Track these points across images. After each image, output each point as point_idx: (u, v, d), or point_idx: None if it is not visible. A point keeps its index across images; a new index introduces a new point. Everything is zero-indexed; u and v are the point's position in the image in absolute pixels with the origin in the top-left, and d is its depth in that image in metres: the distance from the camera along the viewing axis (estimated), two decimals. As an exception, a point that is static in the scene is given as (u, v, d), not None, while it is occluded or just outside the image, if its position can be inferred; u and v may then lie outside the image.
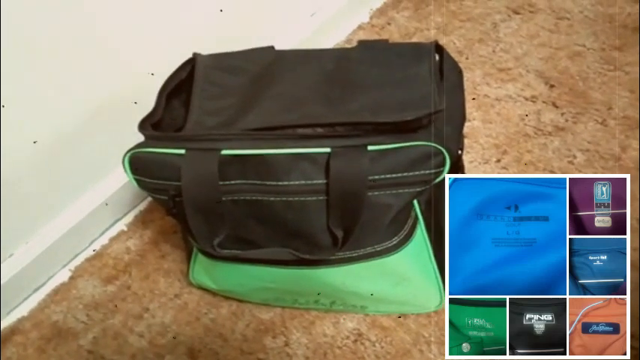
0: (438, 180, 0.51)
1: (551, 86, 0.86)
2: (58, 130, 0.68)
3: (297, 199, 0.50)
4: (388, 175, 0.49)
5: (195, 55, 0.61)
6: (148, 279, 0.74)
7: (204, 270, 0.66)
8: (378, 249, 0.56)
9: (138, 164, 0.53)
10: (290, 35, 0.93)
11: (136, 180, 0.54)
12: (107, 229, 0.80)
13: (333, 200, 0.50)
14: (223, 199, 0.52)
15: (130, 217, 0.81)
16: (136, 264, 0.76)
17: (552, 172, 0.77)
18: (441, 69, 0.56)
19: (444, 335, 0.66)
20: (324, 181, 0.49)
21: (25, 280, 0.72)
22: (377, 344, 0.66)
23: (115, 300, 0.73)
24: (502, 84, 0.89)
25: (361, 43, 0.61)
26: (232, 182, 0.51)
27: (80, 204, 0.75)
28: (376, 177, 0.49)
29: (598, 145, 0.77)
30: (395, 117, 0.49)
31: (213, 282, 0.67)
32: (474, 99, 0.87)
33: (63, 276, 0.76)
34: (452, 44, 0.96)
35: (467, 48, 0.95)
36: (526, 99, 0.86)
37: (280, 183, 0.50)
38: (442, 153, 0.49)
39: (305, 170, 0.49)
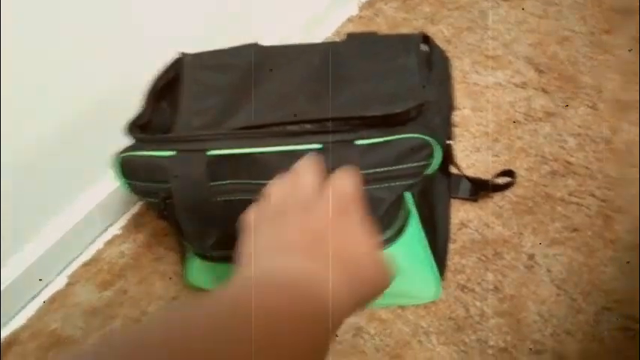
0: (429, 171, 0.51)
1: (541, 72, 0.86)
2: (44, 136, 0.67)
3: None
4: (378, 169, 0.49)
5: (181, 54, 0.61)
6: (144, 282, 0.73)
7: (198, 271, 0.66)
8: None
9: (127, 168, 0.52)
10: (278, 31, 0.92)
11: (127, 184, 0.54)
12: (101, 234, 0.79)
13: None
14: (217, 199, 0.51)
15: (123, 221, 0.80)
16: (131, 268, 0.75)
17: (544, 157, 0.76)
18: (429, 59, 0.56)
19: (442, 325, 0.66)
20: None
21: (21, 289, 0.72)
22: (376, 337, 0.66)
23: (113, 305, 0.72)
24: (491, 71, 0.88)
25: (349, 35, 0.60)
26: (224, 182, 0.51)
27: (72, 210, 0.75)
28: (367, 171, 0.49)
29: (589, 128, 0.77)
30: (383, 110, 0.49)
31: (208, 282, 0.67)
32: (463, 86, 0.87)
33: (59, 283, 0.75)
34: (440, 33, 0.96)
35: (455, 36, 0.94)
36: (516, 85, 0.85)
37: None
38: (430, 145, 0.49)
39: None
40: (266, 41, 0.63)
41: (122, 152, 0.52)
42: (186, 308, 0.26)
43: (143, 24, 0.71)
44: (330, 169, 0.34)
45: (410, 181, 0.51)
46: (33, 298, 0.74)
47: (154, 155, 0.51)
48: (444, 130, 0.54)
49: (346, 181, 0.34)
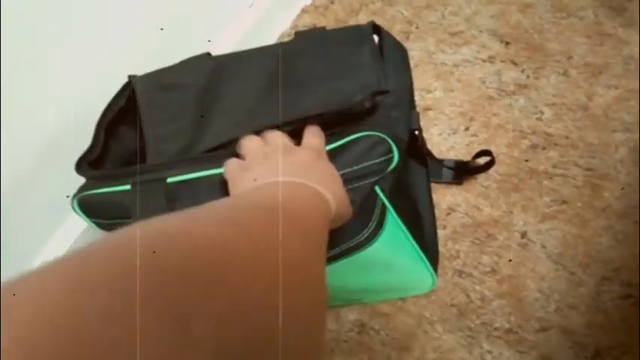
0: (391, 167, 0.49)
1: (507, 44, 0.84)
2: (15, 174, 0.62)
3: None
4: (340, 172, 0.47)
5: (130, 78, 0.56)
6: None
7: None
8: (352, 244, 0.54)
9: (87, 207, 0.50)
10: (230, 32, 0.88)
11: (94, 222, 0.51)
12: None
13: None
14: None
15: None
16: None
17: (522, 132, 0.75)
18: (381, 50, 0.54)
19: (445, 313, 0.65)
20: None
21: None
22: (381, 332, 0.65)
23: None
24: (457, 48, 0.86)
25: (298, 34, 0.57)
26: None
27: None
28: None
29: (564, 97, 0.76)
30: (338, 107, 0.47)
31: None
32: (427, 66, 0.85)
33: None
34: (399, 14, 0.93)
35: (415, 16, 0.92)
36: (484, 61, 0.84)
37: None
38: (386, 140, 0.47)
39: None
40: (218, 47, 0.59)
41: (78, 192, 0.49)
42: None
43: (88, 47, 0.66)
44: None
45: (373, 179, 0.50)
46: None
47: (109, 192, 0.48)
48: (404, 122, 0.52)
49: (316, 138, 0.44)
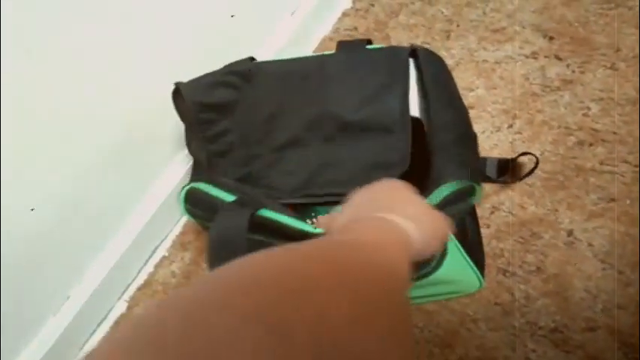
0: (473, 202, 0.52)
1: (551, 38, 0.83)
2: (79, 177, 0.69)
3: None
4: None
5: (176, 84, 0.63)
6: None
7: None
8: (421, 274, 0.56)
9: (192, 197, 0.58)
10: (275, 37, 0.90)
11: (187, 209, 0.59)
12: (150, 257, 0.83)
13: None
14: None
15: (168, 242, 0.84)
16: (184, 286, 0.77)
17: (568, 128, 0.74)
18: (422, 79, 0.56)
19: (489, 311, 0.65)
20: None
21: (86, 317, 0.76)
22: (425, 330, 0.66)
23: None
24: (499, 45, 0.85)
25: (339, 49, 0.61)
26: (254, 237, 0.52)
27: (119, 239, 0.78)
28: None
29: (611, 91, 0.74)
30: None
31: None
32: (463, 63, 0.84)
33: (121, 307, 0.79)
34: (439, 13, 0.93)
35: (456, 15, 0.92)
36: (527, 57, 0.83)
37: None
38: (469, 186, 0.49)
39: None
40: (263, 51, 0.62)
41: (190, 184, 0.58)
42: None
43: (137, 56, 0.70)
44: None
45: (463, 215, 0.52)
46: (99, 324, 0.79)
47: (215, 195, 0.56)
48: (469, 155, 0.54)
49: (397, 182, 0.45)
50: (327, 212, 0.62)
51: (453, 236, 0.56)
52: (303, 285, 0.22)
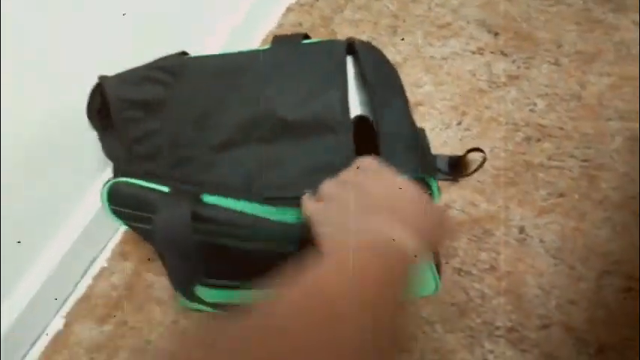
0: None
1: (496, 34, 0.83)
2: (4, 182, 0.62)
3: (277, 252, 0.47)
4: None
5: (99, 77, 0.57)
6: (142, 310, 0.70)
7: None
8: None
9: (117, 195, 0.52)
10: (217, 33, 0.86)
11: (113, 210, 0.53)
12: (88, 269, 0.76)
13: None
14: (199, 237, 0.48)
15: (107, 253, 0.77)
16: (126, 298, 0.71)
17: (515, 124, 0.74)
18: (364, 77, 0.53)
19: (445, 313, 0.64)
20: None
21: (18, 335, 0.69)
22: (379, 337, 0.64)
23: (115, 338, 0.68)
24: (445, 41, 0.85)
25: (274, 44, 0.57)
26: (205, 225, 0.48)
27: (52, 249, 0.71)
28: None
29: (556, 87, 0.75)
30: None
31: (202, 303, 0.64)
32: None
33: (57, 324, 0.72)
34: (385, 9, 0.92)
35: (402, 10, 0.90)
36: (473, 52, 0.82)
37: (259, 242, 0.47)
38: (423, 180, 0.46)
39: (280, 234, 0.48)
40: (206, 47, 0.58)
41: (112, 179, 0.52)
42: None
43: (61, 52, 0.64)
44: None
45: None
46: (34, 343, 0.72)
47: (146, 187, 0.51)
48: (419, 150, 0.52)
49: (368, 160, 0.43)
50: None
51: None
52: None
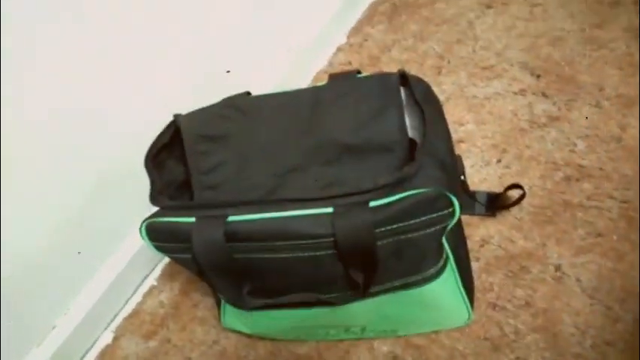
0: (454, 220, 0.50)
1: (538, 76, 0.85)
2: (68, 207, 0.69)
3: (307, 254, 0.50)
4: (395, 226, 0.49)
5: (175, 117, 0.62)
6: (185, 329, 0.75)
7: (234, 315, 0.67)
8: (418, 279, 0.56)
9: (154, 232, 0.55)
10: (269, 72, 0.92)
11: (155, 246, 0.56)
12: (138, 287, 0.82)
13: (344, 254, 0.50)
14: (239, 256, 0.52)
15: (157, 271, 0.83)
16: (172, 316, 0.76)
17: (555, 163, 0.75)
18: (413, 102, 0.56)
19: (478, 346, 0.65)
20: (331, 239, 0.49)
21: (71, 348, 0.74)
22: (413, 366, 0.65)
23: (159, 355, 0.73)
24: (488, 82, 0.88)
25: (330, 81, 0.61)
26: (241, 243, 0.51)
27: (107, 268, 0.77)
28: (385, 228, 0.49)
29: (597, 128, 0.76)
30: (388, 179, 0.49)
31: (245, 326, 0.68)
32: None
33: (107, 338, 0.78)
34: (431, 50, 0.96)
35: (447, 51, 0.94)
36: (515, 93, 0.85)
37: (287, 243, 0.50)
38: (445, 196, 0.48)
39: (310, 229, 0.49)
40: (260, 86, 0.63)
41: (148, 218, 0.54)
42: None
43: (135, 89, 0.72)
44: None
45: (436, 228, 0.50)
46: (84, 355, 0.77)
47: (176, 221, 0.53)
48: (453, 174, 0.54)
49: None
50: None
51: (451, 256, 0.56)
52: None
